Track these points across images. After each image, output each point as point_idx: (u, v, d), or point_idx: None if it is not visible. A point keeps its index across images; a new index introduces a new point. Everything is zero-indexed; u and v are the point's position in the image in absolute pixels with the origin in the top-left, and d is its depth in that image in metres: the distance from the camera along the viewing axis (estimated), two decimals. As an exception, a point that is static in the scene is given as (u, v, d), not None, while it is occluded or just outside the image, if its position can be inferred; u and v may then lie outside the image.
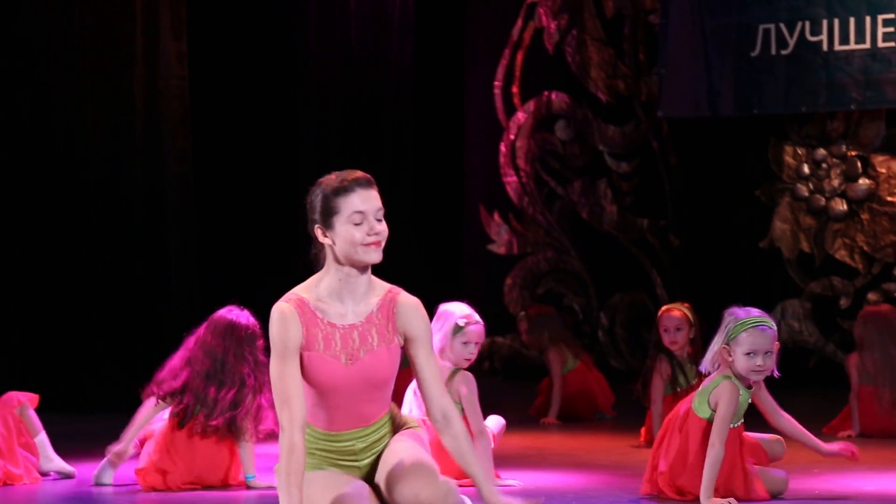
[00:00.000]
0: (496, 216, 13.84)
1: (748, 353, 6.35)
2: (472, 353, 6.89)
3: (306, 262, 5.18)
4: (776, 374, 6.42)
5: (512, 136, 13.80)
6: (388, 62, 13.05)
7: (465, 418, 6.62)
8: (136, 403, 7.16)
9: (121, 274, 10.93)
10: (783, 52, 12.51)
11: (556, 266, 13.75)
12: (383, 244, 4.94)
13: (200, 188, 11.56)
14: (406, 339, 5.02)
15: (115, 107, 10.99)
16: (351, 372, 4.95)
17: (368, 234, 4.87)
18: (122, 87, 10.98)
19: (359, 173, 4.96)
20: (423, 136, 13.50)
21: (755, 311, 6.52)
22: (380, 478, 4.96)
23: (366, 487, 4.98)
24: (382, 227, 4.92)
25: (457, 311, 6.99)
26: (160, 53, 11.05)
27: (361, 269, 4.96)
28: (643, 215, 13.55)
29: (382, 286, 5.07)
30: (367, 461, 5.07)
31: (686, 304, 8.89)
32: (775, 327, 6.48)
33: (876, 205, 12.87)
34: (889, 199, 12.81)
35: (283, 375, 4.88)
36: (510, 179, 13.79)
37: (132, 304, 10.92)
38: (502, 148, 13.81)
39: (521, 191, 13.75)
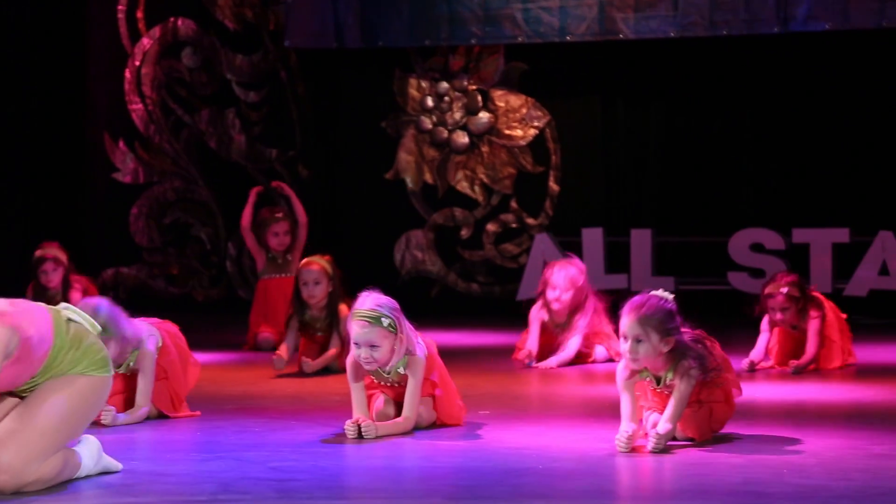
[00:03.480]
0: (121, 144, 13.54)
1: (355, 343, 6.37)
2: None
3: None
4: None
5: (137, 63, 13.50)
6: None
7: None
8: None
9: None
10: (408, -15, 12.70)
11: (184, 195, 13.59)
12: None
13: None
14: None
15: None
16: None
17: None
18: None
19: None
20: (43, 60, 13.05)
21: (371, 301, 6.36)
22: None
23: None
24: None
25: None
26: None
27: None
28: (272, 145, 13.53)
29: None
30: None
31: (326, 257, 8.86)
32: (388, 322, 6.27)
33: (495, 138, 13.27)
34: (507, 132, 13.24)
35: None
36: (136, 107, 13.51)
37: None
38: (127, 74, 13.49)
39: (148, 118, 13.50)
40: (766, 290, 8.78)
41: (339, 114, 13.55)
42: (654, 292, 6.09)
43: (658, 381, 6.05)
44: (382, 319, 6.31)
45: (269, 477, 5.40)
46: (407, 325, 6.42)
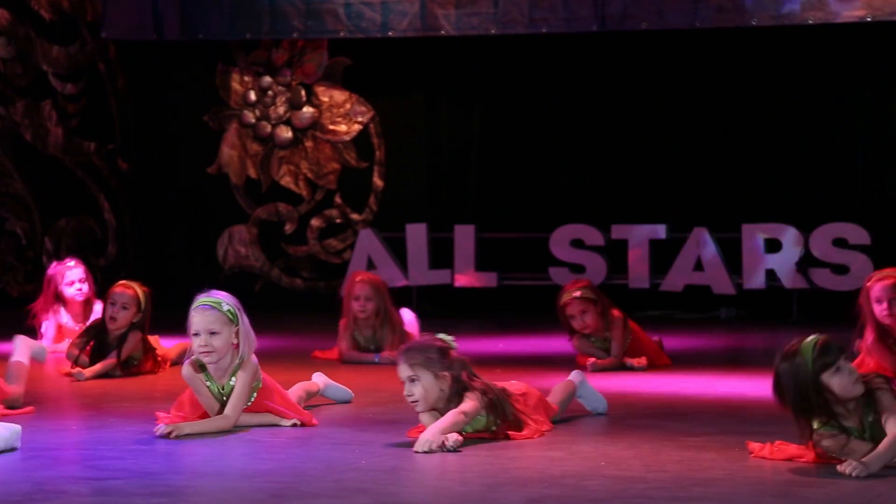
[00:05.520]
0: (-67, 136, 13.19)
1: (194, 334, 6.28)
2: None
3: None
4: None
5: (-51, 53, 13.15)
6: None
7: None
8: None
9: None
10: (227, -22, 12.61)
11: (-1, 189, 13.29)
12: None
13: None
14: None
15: None
16: None
17: None
18: None
19: None
20: None
21: (213, 293, 6.35)
22: None
23: None
24: None
25: None
26: None
27: None
28: (90, 138, 13.30)
29: None
30: None
31: (144, 288, 8.62)
32: (228, 308, 6.26)
33: (319, 133, 13.25)
34: (331, 127, 13.23)
35: None
36: (-52, 98, 13.16)
37: None
38: (-61, 64, 13.15)
39: (-40, 110, 13.16)
40: (561, 302, 8.65)
41: (161, 107, 13.38)
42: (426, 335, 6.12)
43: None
44: (223, 304, 6.29)
45: (86, 476, 5.31)
46: (248, 327, 6.39)
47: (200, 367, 6.34)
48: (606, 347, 8.68)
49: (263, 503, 4.87)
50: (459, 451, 5.73)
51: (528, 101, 12.81)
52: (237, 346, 6.32)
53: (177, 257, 13.24)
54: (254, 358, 6.40)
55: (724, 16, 11.77)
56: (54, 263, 9.86)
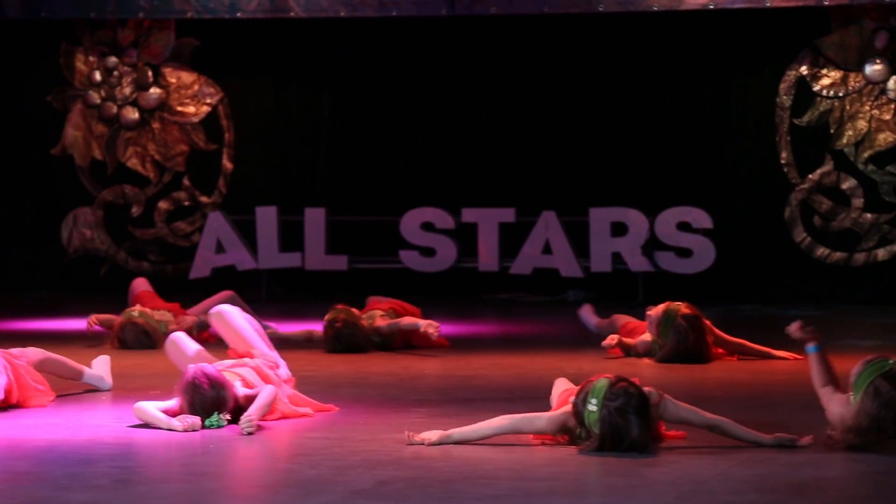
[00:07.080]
0: None
1: None
2: None
3: None
4: None
5: None
6: None
7: None
8: None
9: None
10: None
11: None
12: None
13: None
14: None
15: None
16: None
17: None
18: None
19: None
20: None
21: None
22: None
23: None
24: None
25: None
26: None
27: None
28: (-72, 118, 12.99)
29: None
30: None
31: None
32: None
33: (167, 114, 13.08)
34: (179, 108, 13.07)
35: None
36: None
37: None
38: None
39: None
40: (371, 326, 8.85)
41: (2, 87, 13.11)
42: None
43: None
44: None
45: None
46: None
47: None
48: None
49: (108, 489, 4.81)
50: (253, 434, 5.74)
51: (378, 84, 12.81)
52: None
53: (20, 240, 12.99)
54: None
55: (572, 2, 11.90)
56: None
